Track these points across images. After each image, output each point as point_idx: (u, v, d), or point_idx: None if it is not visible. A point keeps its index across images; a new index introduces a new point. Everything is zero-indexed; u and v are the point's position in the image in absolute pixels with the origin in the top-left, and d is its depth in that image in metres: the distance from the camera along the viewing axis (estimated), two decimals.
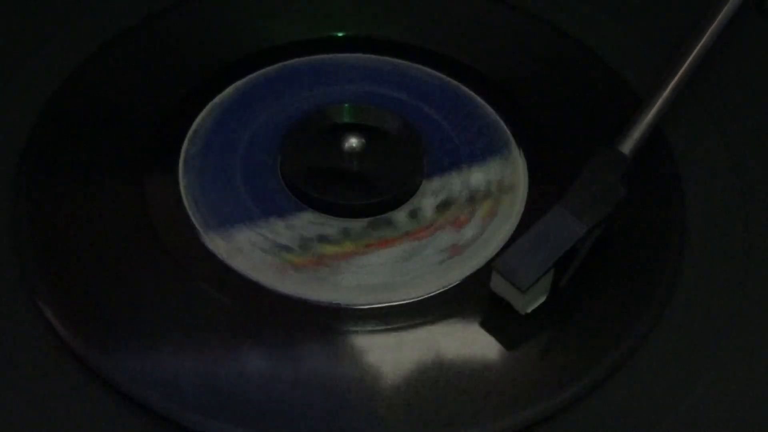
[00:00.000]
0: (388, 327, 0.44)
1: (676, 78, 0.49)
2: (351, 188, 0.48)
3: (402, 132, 0.49)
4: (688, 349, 0.44)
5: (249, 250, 0.46)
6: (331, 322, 0.44)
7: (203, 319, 0.43)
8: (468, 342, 0.43)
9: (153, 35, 0.54)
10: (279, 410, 0.41)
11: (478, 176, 0.49)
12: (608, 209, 0.44)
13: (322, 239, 0.46)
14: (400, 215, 0.47)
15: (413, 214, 0.47)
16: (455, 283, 0.45)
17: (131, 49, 0.53)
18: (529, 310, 0.44)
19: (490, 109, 0.51)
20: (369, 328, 0.44)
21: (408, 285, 0.45)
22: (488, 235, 0.47)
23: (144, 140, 0.49)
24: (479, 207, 0.48)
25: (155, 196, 0.47)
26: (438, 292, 0.45)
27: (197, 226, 0.46)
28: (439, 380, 0.42)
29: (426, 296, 0.45)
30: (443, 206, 0.48)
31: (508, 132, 0.50)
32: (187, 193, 0.47)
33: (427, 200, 0.48)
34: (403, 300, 0.44)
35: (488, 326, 0.44)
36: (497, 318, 0.44)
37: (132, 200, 0.47)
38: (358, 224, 0.47)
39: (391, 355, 0.43)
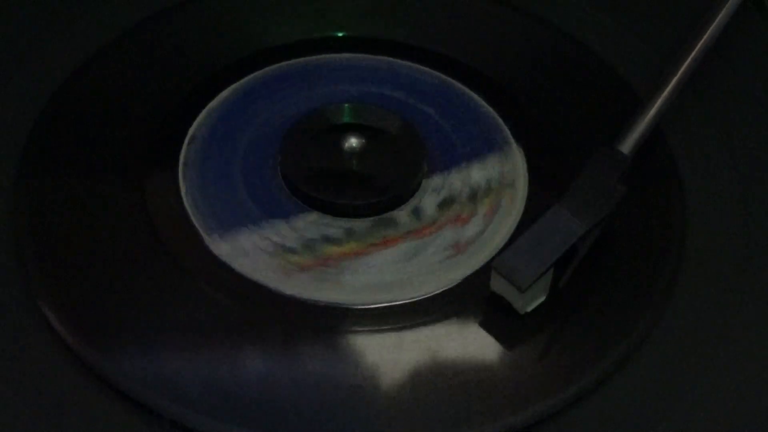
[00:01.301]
0: (388, 327, 0.44)
1: (676, 78, 0.49)
2: (352, 188, 0.48)
3: (402, 131, 0.49)
4: (687, 349, 0.44)
5: (253, 253, 0.46)
6: (331, 322, 0.44)
7: (204, 320, 0.43)
8: (467, 342, 0.43)
9: (153, 36, 0.54)
10: (280, 410, 0.41)
11: (478, 173, 0.49)
12: (608, 209, 0.44)
13: (326, 240, 0.46)
14: (403, 214, 0.47)
15: (416, 213, 0.47)
16: (455, 283, 0.45)
17: (131, 50, 0.53)
18: (528, 310, 0.44)
19: (489, 109, 0.51)
20: (369, 328, 0.44)
21: (413, 283, 0.45)
22: (491, 232, 0.47)
23: (144, 141, 0.49)
24: (481, 203, 0.48)
25: (156, 196, 0.47)
26: (438, 292, 0.45)
27: (198, 227, 0.46)
28: (438, 380, 0.42)
29: (426, 296, 0.45)
30: (445, 204, 0.48)
31: (508, 131, 0.51)
32: (187, 193, 0.47)
33: (428, 198, 0.48)
34: (406, 299, 0.45)
35: (488, 326, 0.44)
36: (497, 318, 0.44)
37: (132, 201, 0.47)
38: (361, 224, 0.47)
39: (391, 354, 0.43)
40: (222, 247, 0.46)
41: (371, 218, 0.47)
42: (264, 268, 0.45)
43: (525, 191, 0.48)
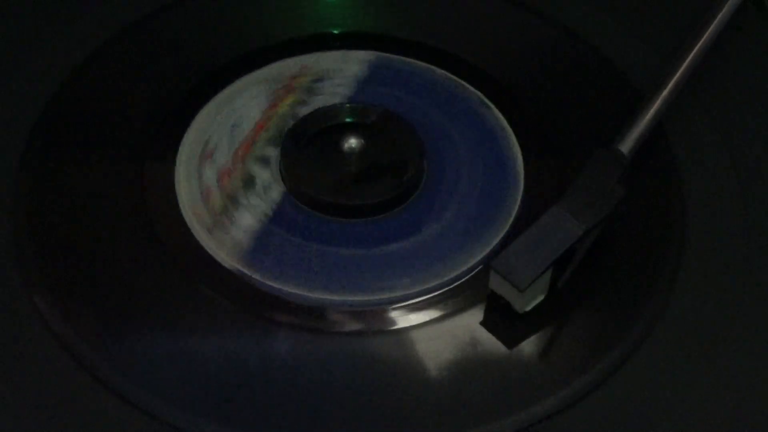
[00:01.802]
0: (388, 327, 0.44)
1: (676, 78, 0.49)
2: (351, 188, 0.48)
3: (402, 131, 0.49)
4: (687, 349, 0.44)
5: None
6: (319, 321, 0.44)
7: (201, 319, 0.43)
8: (466, 341, 0.43)
9: (152, 34, 0.54)
10: (278, 410, 0.41)
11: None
12: (607, 210, 0.44)
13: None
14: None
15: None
16: (454, 283, 0.45)
17: (130, 49, 0.53)
18: (527, 309, 0.44)
19: (490, 107, 0.51)
20: (368, 328, 0.44)
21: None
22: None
23: (144, 140, 0.49)
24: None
25: (155, 196, 0.47)
26: (437, 292, 0.45)
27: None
28: (437, 380, 0.42)
29: (425, 296, 0.45)
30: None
31: (508, 130, 0.50)
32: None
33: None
34: (405, 298, 0.45)
35: (487, 325, 0.44)
36: (496, 317, 0.44)
37: (132, 200, 0.47)
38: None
39: (390, 354, 0.43)
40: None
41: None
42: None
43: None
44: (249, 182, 0.48)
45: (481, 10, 0.56)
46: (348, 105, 0.50)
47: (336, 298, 0.44)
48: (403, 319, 0.44)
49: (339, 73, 0.52)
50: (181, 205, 0.47)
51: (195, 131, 0.50)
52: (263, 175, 0.48)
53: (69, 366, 0.42)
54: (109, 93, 0.51)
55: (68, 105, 0.50)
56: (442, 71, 0.53)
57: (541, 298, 0.44)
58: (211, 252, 0.46)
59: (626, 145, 0.47)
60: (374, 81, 0.52)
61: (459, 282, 0.45)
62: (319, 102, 0.51)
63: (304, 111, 0.50)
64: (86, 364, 0.42)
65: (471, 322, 0.44)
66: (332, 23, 0.55)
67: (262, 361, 0.42)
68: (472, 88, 0.52)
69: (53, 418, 0.41)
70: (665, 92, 0.48)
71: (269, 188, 0.48)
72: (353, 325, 0.44)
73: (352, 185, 0.48)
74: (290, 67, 0.52)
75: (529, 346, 0.43)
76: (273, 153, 0.49)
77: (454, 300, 0.45)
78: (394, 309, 0.44)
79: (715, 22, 0.50)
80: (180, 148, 0.49)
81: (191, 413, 0.41)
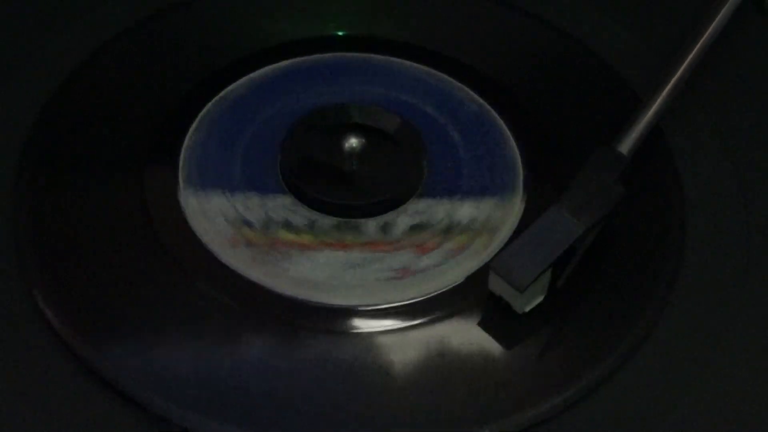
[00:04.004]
0: (387, 327, 0.44)
1: (675, 78, 0.49)
2: (350, 188, 0.48)
3: (402, 131, 0.49)
4: (687, 349, 0.44)
5: (213, 214, 0.46)
6: (319, 321, 0.44)
7: (202, 319, 0.43)
8: (466, 342, 0.43)
9: (154, 33, 0.54)
10: (275, 410, 0.41)
11: (467, 209, 0.48)
12: (606, 209, 0.44)
13: (285, 225, 0.46)
14: (371, 225, 0.47)
15: (384, 228, 0.47)
16: (454, 284, 0.45)
17: (131, 49, 0.53)
18: (527, 310, 0.44)
19: (489, 108, 0.51)
20: (368, 328, 0.44)
21: (338, 289, 0.45)
22: (444, 269, 0.46)
23: (144, 140, 0.49)
24: (451, 240, 0.47)
25: (155, 196, 0.47)
26: (437, 292, 0.45)
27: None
28: (436, 380, 0.42)
29: (424, 296, 0.45)
30: (417, 228, 0.47)
31: (508, 131, 0.50)
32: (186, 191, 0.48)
33: (404, 218, 0.47)
34: (405, 299, 0.45)
35: (486, 326, 0.44)
36: (495, 317, 0.44)
37: (131, 200, 0.47)
38: (326, 221, 0.47)
39: (389, 354, 0.43)
40: (189, 201, 0.46)
41: (338, 218, 0.47)
42: (215, 231, 0.46)
43: (508, 234, 0.47)
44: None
45: (482, 13, 0.56)
46: (346, 105, 0.50)
47: (335, 298, 0.44)
48: (403, 320, 0.44)
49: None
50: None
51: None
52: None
53: (69, 366, 0.42)
54: (110, 93, 0.51)
55: (68, 106, 0.50)
56: (438, 72, 0.53)
57: (540, 298, 0.44)
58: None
59: (626, 145, 0.47)
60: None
61: (458, 282, 0.45)
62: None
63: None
64: (86, 364, 0.42)
65: (470, 322, 0.44)
66: (334, 25, 0.55)
67: (266, 362, 0.42)
68: (470, 90, 0.52)
69: (53, 418, 0.41)
70: (665, 92, 0.48)
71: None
72: (354, 326, 0.44)
73: (352, 185, 0.48)
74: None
75: (528, 346, 0.43)
76: None
77: (454, 301, 0.44)
78: (395, 309, 0.44)
79: (715, 22, 0.50)
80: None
81: (191, 413, 0.41)
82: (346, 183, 0.48)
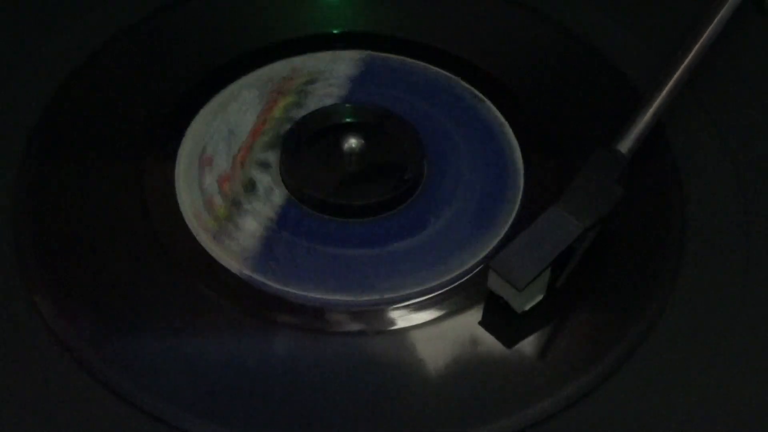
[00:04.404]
0: (388, 327, 0.44)
1: (675, 77, 0.49)
2: (350, 188, 0.48)
3: (402, 131, 0.49)
4: (686, 349, 0.43)
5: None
6: (319, 321, 0.44)
7: (198, 318, 0.44)
8: (465, 341, 0.43)
9: (153, 33, 0.54)
10: (274, 410, 0.41)
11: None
12: (605, 209, 0.44)
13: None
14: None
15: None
16: (454, 283, 0.45)
17: (130, 49, 0.53)
18: (526, 309, 0.44)
19: (490, 107, 0.51)
20: (369, 328, 0.44)
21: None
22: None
23: (143, 139, 0.49)
24: None
25: (154, 196, 0.47)
26: (437, 292, 0.45)
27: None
28: (436, 380, 0.42)
29: (425, 296, 0.45)
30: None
31: (508, 130, 0.50)
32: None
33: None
34: (404, 299, 0.45)
35: (485, 325, 0.44)
36: (494, 317, 0.44)
37: (131, 199, 0.47)
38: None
39: (389, 354, 0.43)
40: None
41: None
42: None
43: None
44: (250, 186, 0.48)
45: (483, 11, 0.56)
46: (346, 105, 0.50)
47: (335, 298, 0.44)
48: (403, 319, 0.44)
49: (331, 73, 0.52)
50: (181, 208, 0.47)
51: (192, 134, 0.50)
52: (264, 179, 0.48)
53: (69, 366, 0.42)
54: (109, 93, 0.51)
55: (68, 106, 0.50)
56: (438, 69, 0.53)
57: (539, 297, 0.44)
58: (213, 254, 0.46)
59: (625, 145, 0.47)
60: (369, 80, 0.52)
61: (459, 282, 0.45)
62: (313, 104, 0.51)
63: (298, 114, 0.50)
64: (86, 364, 0.42)
65: (470, 322, 0.44)
66: (323, 24, 0.55)
67: (264, 362, 0.42)
68: (471, 88, 0.52)
69: (53, 418, 0.41)
70: (665, 92, 0.48)
71: (270, 191, 0.48)
72: (354, 326, 0.44)
73: (352, 185, 0.48)
74: (281, 69, 0.52)
75: (528, 345, 0.43)
76: (272, 157, 0.49)
77: (454, 300, 0.44)
78: (395, 309, 0.44)
79: (715, 22, 0.50)
80: (181, 149, 0.49)
81: (191, 413, 0.41)
82: (346, 183, 0.48)
